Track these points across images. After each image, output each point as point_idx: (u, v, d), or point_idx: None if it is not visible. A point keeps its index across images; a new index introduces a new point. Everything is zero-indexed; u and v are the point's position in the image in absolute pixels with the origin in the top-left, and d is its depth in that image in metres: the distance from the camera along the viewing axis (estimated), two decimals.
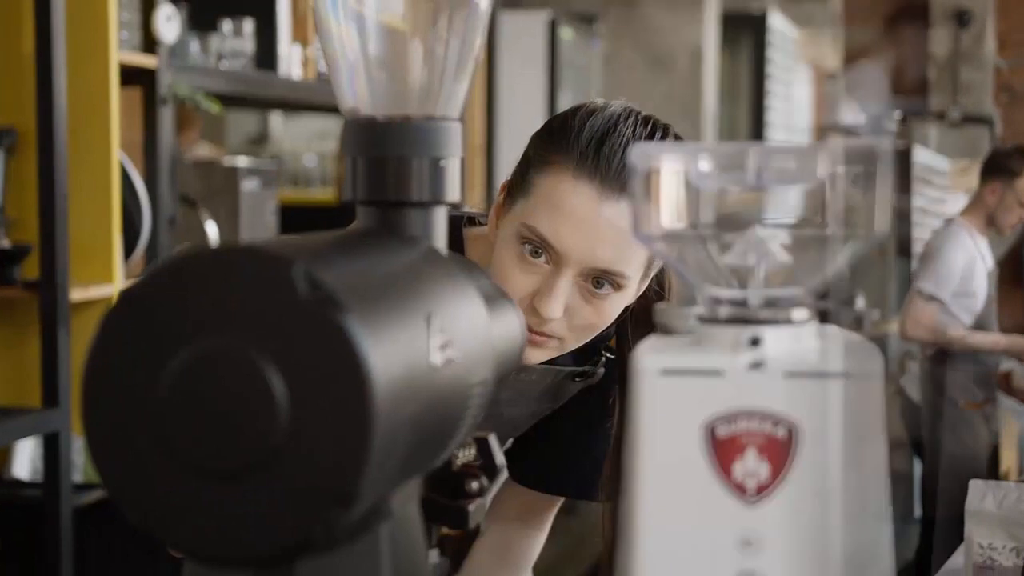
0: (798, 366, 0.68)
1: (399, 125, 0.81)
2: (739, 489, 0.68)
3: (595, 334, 1.29)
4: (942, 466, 4.20)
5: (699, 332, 0.72)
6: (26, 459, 2.54)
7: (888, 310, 6.79)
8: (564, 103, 5.78)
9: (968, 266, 4.28)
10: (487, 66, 4.59)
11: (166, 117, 2.65)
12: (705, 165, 0.71)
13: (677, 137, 1.31)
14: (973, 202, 4.43)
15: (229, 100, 3.20)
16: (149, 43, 2.64)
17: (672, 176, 0.72)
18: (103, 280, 2.48)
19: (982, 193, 4.35)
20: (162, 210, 2.67)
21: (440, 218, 0.83)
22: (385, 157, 0.81)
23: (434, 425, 0.70)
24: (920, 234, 7.36)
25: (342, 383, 0.60)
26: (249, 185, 3.01)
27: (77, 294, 2.40)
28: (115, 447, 0.63)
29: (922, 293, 4.25)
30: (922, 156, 7.29)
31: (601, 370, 1.41)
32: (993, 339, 4.41)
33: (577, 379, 1.41)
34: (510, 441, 1.51)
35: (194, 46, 2.89)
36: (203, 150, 3.79)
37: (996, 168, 4.32)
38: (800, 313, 0.71)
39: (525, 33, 5.24)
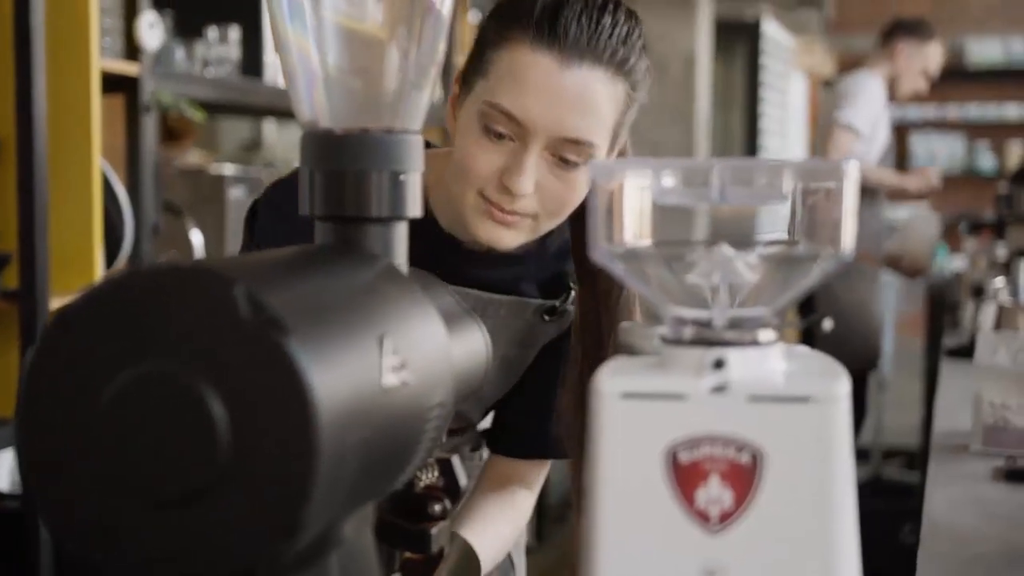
0: (763, 390, 0.66)
1: (358, 138, 0.79)
2: (702, 517, 0.66)
3: (567, 212, 1.26)
4: (834, 317, 4.28)
5: (663, 353, 0.70)
6: (6, 470, 2.51)
7: None
8: None
9: (879, 112, 4.43)
10: None
11: (149, 125, 2.62)
12: (668, 181, 0.69)
13: (632, 13, 1.27)
14: (878, 61, 4.55)
15: (215, 107, 3.18)
16: (132, 50, 2.62)
17: (634, 192, 0.69)
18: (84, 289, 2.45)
19: (892, 53, 4.49)
20: (145, 218, 2.64)
21: (401, 234, 0.81)
22: (343, 171, 0.79)
23: (387, 449, 0.67)
24: (766, 110, 7.44)
25: (285, 408, 0.58)
26: (236, 193, 2.98)
27: (57, 304, 2.38)
28: (52, 472, 0.61)
29: (841, 123, 4.33)
30: (770, 29, 7.31)
31: (571, 308, 1.39)
32: (902, 177, 4.66)
33: (547, 317, 1.39)
34: (489, 417, 1.49)
35: (179, 53, 2.87)
36: (194, 157, 3.77)
37: (909, 29, 4.48)
38: (766, 334, 0.69)
39: None
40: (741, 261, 0.69)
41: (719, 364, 0.67)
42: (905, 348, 6.69)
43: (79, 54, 2.43)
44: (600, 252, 0.70)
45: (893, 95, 4.55)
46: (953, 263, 8.35)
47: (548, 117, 1.20)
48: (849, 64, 9.86)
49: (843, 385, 0.66)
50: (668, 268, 0.70)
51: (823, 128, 4.46)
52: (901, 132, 10.10)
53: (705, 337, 0.69)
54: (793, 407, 0.66)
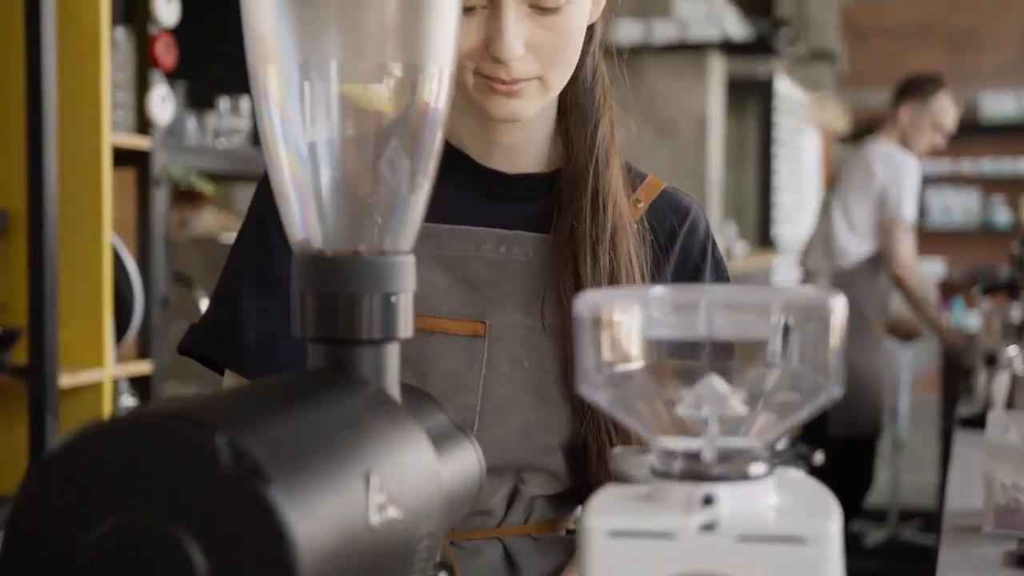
0: (753, 528, 0.65)
1: (349, 260, 0.79)
2: None
3: (571, 58, 1.18)
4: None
5: (652, 485, 0.69)
6: None
7: None
8: None
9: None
10: None
11: (160, 198, 2.64)
12: (655, 313, 0.68)
13: None
14: (887, 125, 4.63)
15: (226, 177, 3.20)
16: (144, 124, 2.64)
17: (621, 324, 0.69)
18: (94, 365, 2.45)
19: (896, 114, 4.55)
20: (155, 291, 2.65)
21: (392, 356, 0.80)
22: (335, 293, 0.78)
23: None
24: (780, 166, 7.43)
25: (268, 558, 0.57)
26: None
27: (67, 380, 2.38)
28: None
29: (907, 222, 4.36)
30: (783, 86, 7.31)
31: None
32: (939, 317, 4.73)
33: None
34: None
35: (191, 124, 2.89)
36: (209, 217, 3.78)
37: (911, 90, 4.54)
38: (757, 467, 0.68)
39: None
40: (731, 394, 0.68)
41: (708, 501, 0.66)
42: (922, 406, 6.65)
43: (91, 129, 2.45)
44: (586, 382, 0.69)
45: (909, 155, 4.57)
46: (969, 319, 8.31)
47: None
48: (863, 119, 9.88)
49: (835, 523, 0.66)
50: (657, 399, 0.70)
51: (883, 223, 4.44)
52: None
53: (694, 471, 0.68)
54: (784, 547, 0.65)
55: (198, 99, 2.94)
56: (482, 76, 1.16)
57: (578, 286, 1.18)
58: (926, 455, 5.94)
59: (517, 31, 1.13)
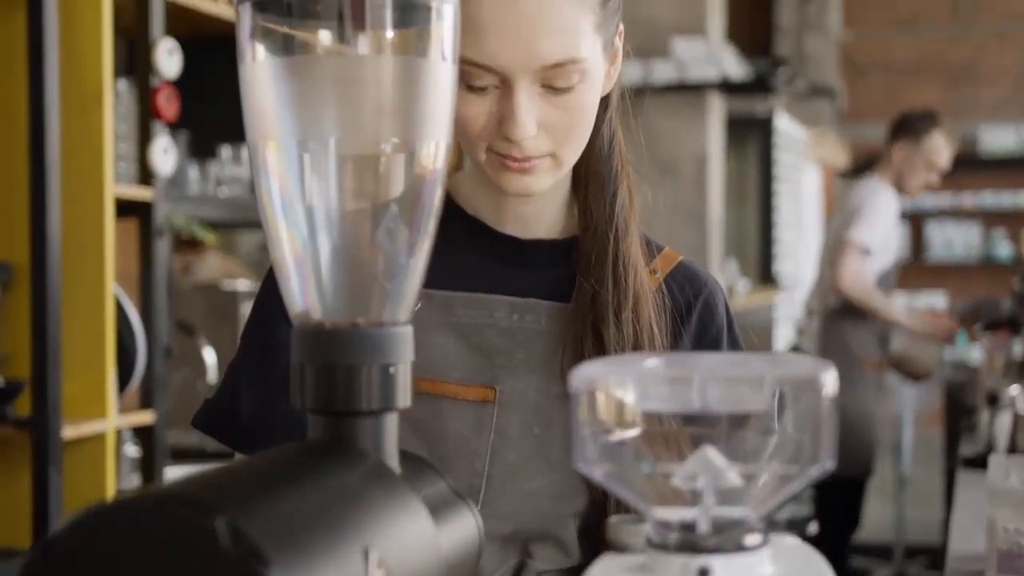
0: None
1: (348, 333, 0.80)
2: None
3: (583, 135, 1.17)
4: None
5: (649, 556, 0.70)
6: None
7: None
8: None
9: (891, 221, 4.45)
10: None
11: (162, 248, 2.65)
12: (650, 386, 0.69)
13: None
14: (883, 163, 4.60)
15: (229, 225, 3.21)
16: (146, 174, 2.66)
17: (616, 397, 0.70)
18: (97, 416, 2.46)
19: (891, 153, 4.54)
20: (158, 341, 2.66)
21: (391, 425, 0.81)
22: (334, 365, 0.79)
23: None
24: (780, 203, 7.43)
25: None
26: (250, 309, 3.00)
27: (70, 431, 2.38)
28: None
29: (856, 244, 4.30)
30: (782, 123, 7.33)
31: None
32: (911, 321, 4.60)
33: None
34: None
35: (193, 173, 2.91)
36: (213, 262, 3.80)
37: (903, 128, 4.51)
38: (752, 538, 0.69)
39: None
40: (726, 466, 0.69)
41: (704, 573, 0.67)
42: (927, 441, 6.64)
43: (94, 180, 2.47)
44: (582, 455, 0.70)
45: (904, 192, 4.58)
46: (972, 352, 8.31)
47: (516, 53, 1.11)
48: (863, 154, 9.92)
49: None
50: (652, 471, 0.71)
51: (832, 243, 4.47)
52: (917, 221, 10.13)
53: (690, 542, 0.69)
54: None
55: (200, 148, 2.96)
56: (495, 153, 1.16)
57: (601, 352, 1.18)
58: (931, 490, 5.92)
59: (530, 111, 1.13)
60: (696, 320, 1.28)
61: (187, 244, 3.42)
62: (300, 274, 0.81)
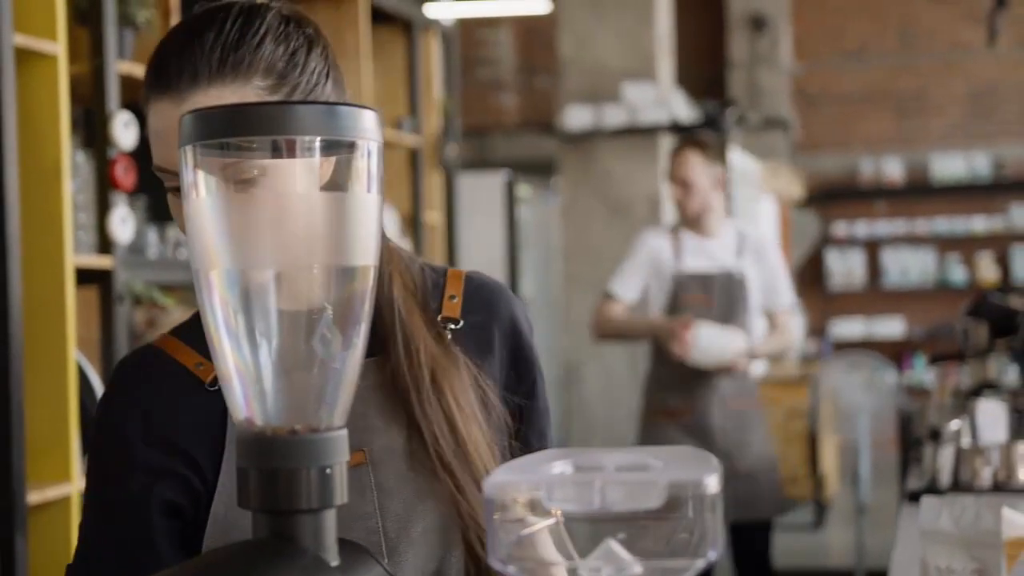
0: None
1: (287, 440, 0.88)
2: None
3: None
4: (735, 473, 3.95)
5: None
6: None
7: None
8: (525, 257, 5.91)
9: (641, 259, 4.11)
10: (447, 225, 4.70)
11: (122, 315, 2.72)
12: (556, 491, 0.78)
13: (241, 15, 1.21)
14: None
15: (188, 286, 3.28)
16: (105, 243, 2.73)
17: (525, 501, 0.78)
18: (60, 480, 2.52)
19: None
20: None
21: (329, 521, 0.89)
22: (275, 469, 0.87)
23: None
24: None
25: None
26: None
27: (35, 496, 2.44)
28: None
29: (606, 292, 4.07)
30: (736, 158, 7.45)
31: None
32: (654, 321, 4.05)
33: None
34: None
35: (152, 237, 2.98)
36: (177, 316, 3.84)
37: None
38: None
39: (485, 192, 5.39)
40: (628, 558, 0.77)
41: None
42: (886, 464, 6.74)
43: (54, 250, 2.53)
44: (495, 554, 0.78)
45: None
46: (929, 376, 8.46)
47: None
48: (818, 184, 10.10)
49: None
50: (559, 564, 0.79)
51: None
52: (872, 247, 10.30)
53: None
54: None
55: (158, 213, 3.03)
56: None
57: (413, 423, 1.25)
58: (891, 515, 6.02)
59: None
60: (508, 326, 1.34)
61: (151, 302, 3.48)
62: (242, 385, 0.89)
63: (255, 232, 0.87)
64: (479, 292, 1.34)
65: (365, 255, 0.89)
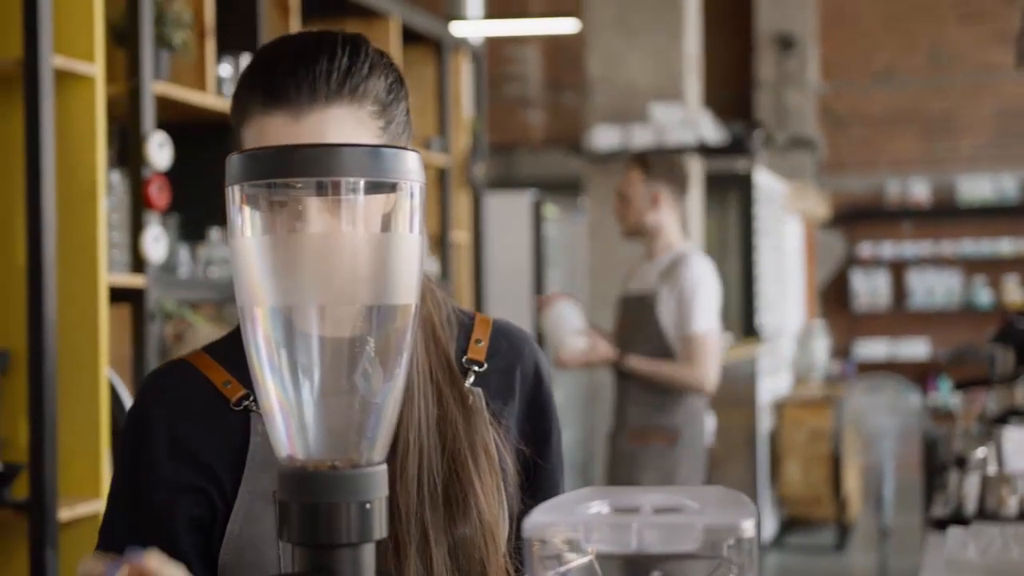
0: None
1: (327, 475, 0.90)
2: None
3: None
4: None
5: None
6: None
7: None
8: (551, 276, 5.94)
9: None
10: (475, 244, 4.72)
11: (153, 333, 2.75)
12: (594, 533, 0.79)
13: (350, 41, 1.24)
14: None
15: (219, 303, 3.31)
16: (138, 262, 2.76)
17: (564, 542, 0.80)
18: (92, 497, 2.55)
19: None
20: None
21: (368, 555, 0.91)
22: (316, 504, 0.89)
23: None
24: (762, 256, 7.48)
25: None
26: None
27: (66, 513, 2.47)
28: None
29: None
30: (762, 178, 7.43)
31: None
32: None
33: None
34: None
35: (184, 256, 3.01)
36: (205, 330, 3.87)
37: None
38: None
39: (511, 211, 5.41)
40: None
41: None
42: (909, 487, 6.71)
43: (88, 270, 2.56)
44: None
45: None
46: (953, 400, 8.42)
47: None
48: (844, 204, 10.09)
49: None
50: None
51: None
52: (898, 269, 10.27)
53: None
54: None
55: (190, 232, 3.06)
56: None
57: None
58: (915, 538, 6.00)
59: (318, 223, 1.13)
60: (530, 378, 1.36)
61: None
62: (285, 421, 0.91)
63: (300, 271, 0.89)
64: (505, 339, 1.36)
65: (407, 294, 0.91)
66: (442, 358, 1.30)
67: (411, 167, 0.91)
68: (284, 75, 1.20)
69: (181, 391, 1.29)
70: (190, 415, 1.28)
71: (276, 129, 1.20)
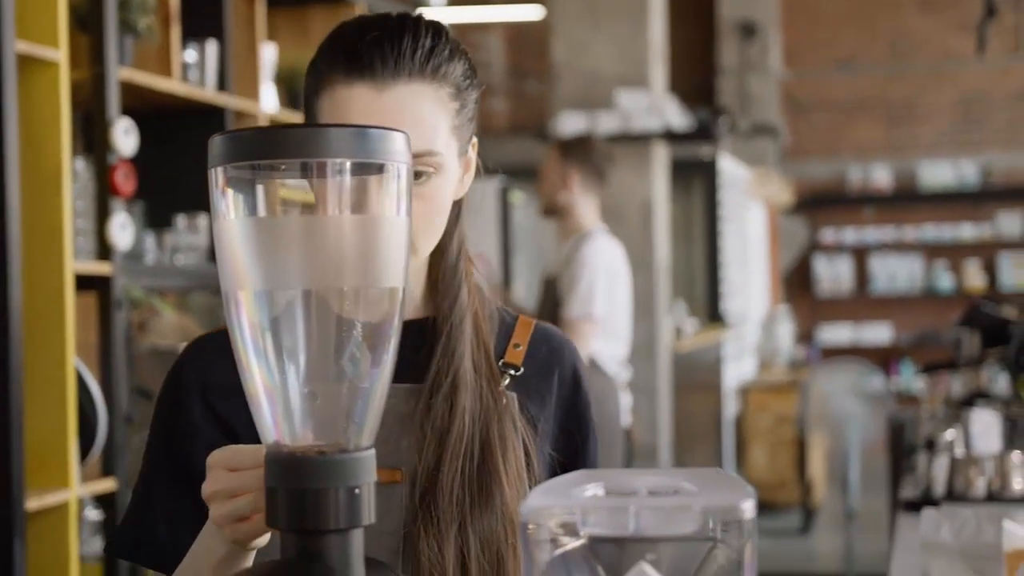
0: None
1: (315, 460, 0.88)
2: None
3: (440, 228, 1.25)
4: None
5: None
6: None
7: None
8: (518, 262, 5.94)
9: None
10: None
11: (120, 320, 2.72)
12: (590, 515, 0.78)
13: (432, 26, 1.27)
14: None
15: (185, 291, 3.28)
16: (104, 249, 2.72)
17: (560, 525, 0.79)
18: (59, 486, 2.52)
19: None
20: (118, 409, 2.72)
21: (357, 540, 0.89)
22: (304, 490, 0.88)
23: None
24: (726, 242, 7.53)
25: None
26: None
27: (33, 503, 2.44)
28: None
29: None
30: (726, 165, 7.48)
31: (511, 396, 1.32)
32: None
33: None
34: None
35: (150, 243, 2.98)
36: (169, 318, 3.84)
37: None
38: None
39: (477, 198, 5.38)
40: None
41: None
42: (874, 470, 6.75)
43: (54, 257, 2.53)
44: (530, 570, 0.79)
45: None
46: (917, 383, 8.48)
47: None
48: (806, 190, 10.14)
49: None
50: None
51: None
52: (860, 254, 10.33)
53: None
54: None
55: (156, 219, 3.03)
56: None
57: (422, 436, 1.24)
58: (880, 521, 6.05)
59: None
60: (567, 384, 1.36)
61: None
62: (271, 405, 0.90)
63: (284, 253, 0.88)
64: (545, 343, 1.36)
65: (394, 276, 0.89)
66: (483, 351, 1.30)
67: (397, 148, 0.89)
68: (370, 47, 1.21)
69: (217, 358, 1.23)
70: (224, 381, 1.25)
71: (357, 100, 1.20)
